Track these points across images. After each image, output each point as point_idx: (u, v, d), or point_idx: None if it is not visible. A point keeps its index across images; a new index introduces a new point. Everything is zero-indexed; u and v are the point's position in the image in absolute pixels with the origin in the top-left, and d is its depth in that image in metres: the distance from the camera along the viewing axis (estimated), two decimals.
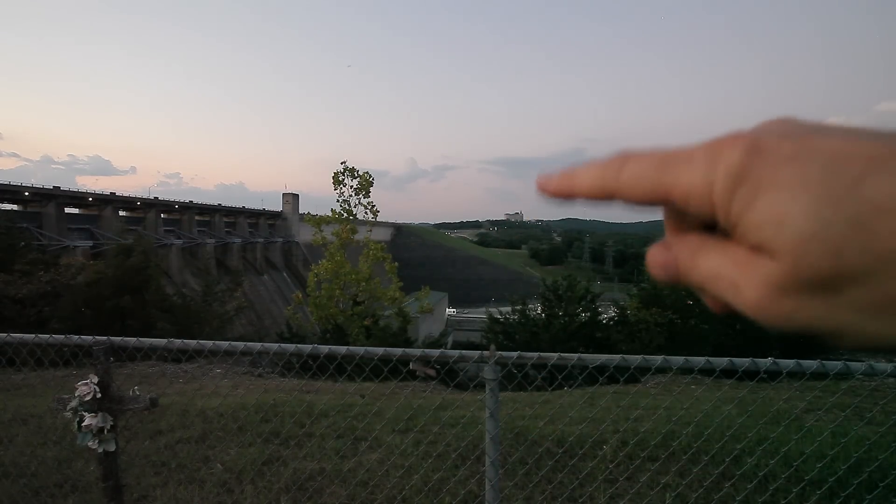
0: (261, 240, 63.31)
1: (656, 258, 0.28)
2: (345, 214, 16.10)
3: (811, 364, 1.97)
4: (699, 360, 2.00)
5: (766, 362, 1.96)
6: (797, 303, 0.22)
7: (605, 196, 0.27)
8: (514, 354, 2.11)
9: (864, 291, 0.21)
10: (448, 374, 7.94)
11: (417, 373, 2.30)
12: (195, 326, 11.72)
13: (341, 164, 16.35)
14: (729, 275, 0.24)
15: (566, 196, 0.28)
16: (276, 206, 75.38)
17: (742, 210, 0.23)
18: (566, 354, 2.05)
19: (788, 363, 1.97)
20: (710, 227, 0.26)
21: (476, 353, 2.19)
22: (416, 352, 2.19)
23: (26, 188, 39.34)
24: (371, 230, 16.81)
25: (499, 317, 12.44)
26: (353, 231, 16.01)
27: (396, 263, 16.37)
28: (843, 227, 0.20)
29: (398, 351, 2.16)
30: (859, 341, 0.23)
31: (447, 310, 59.69)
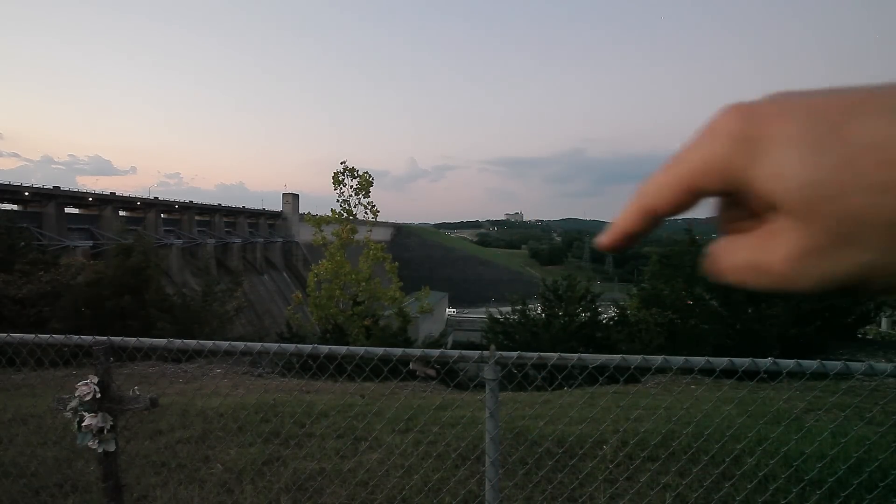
0: (261, 240, 63.33)
1: (706, 265, 0.30)
2: (345, 214, 16.08)
3: (811, 364, 1.96)
4: (699, 360, 2.00)
5: (766, 362, 1.96)
6: (820, 259, 0.24)
7: (647, 219, 0.29)
8: (514, 354, 2.11)
9: (874, 228, 0.22)
10: (448, 374, 7.94)
11: (417, 373, 2.30)
12: (195, 326, 11.71)
13: (341, 163, 16.33)
14: (756, 260, 0.26)
15: (623, 239, 0.31)
16: (276, 206, 75.46)
17: (746, 169, 0.25)
18: (566, 354, 2.05)
19: (788, 363, 1.97)
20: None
21: (476, 353, 2.19)
22: (416, 352, 2.19)
23: (26, 188, 39.35)
24: (371, 230, 16.79)
25: (499, 317, 12.43)
26: (353, 231, 15.99)
27: (396, 263, 16.35)
28: (834, 170, 0.22)
29: (398, 351, 2.16)
30: (888, 283, 0.24)
31: (447, 310, 59.69)
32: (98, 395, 2.17)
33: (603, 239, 0.32)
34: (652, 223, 0.30)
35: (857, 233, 0.22)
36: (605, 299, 13.33)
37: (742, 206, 0.29)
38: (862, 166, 0.22)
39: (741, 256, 0.27)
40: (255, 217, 68.44)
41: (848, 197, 0.22)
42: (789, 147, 0.23)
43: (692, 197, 0.27)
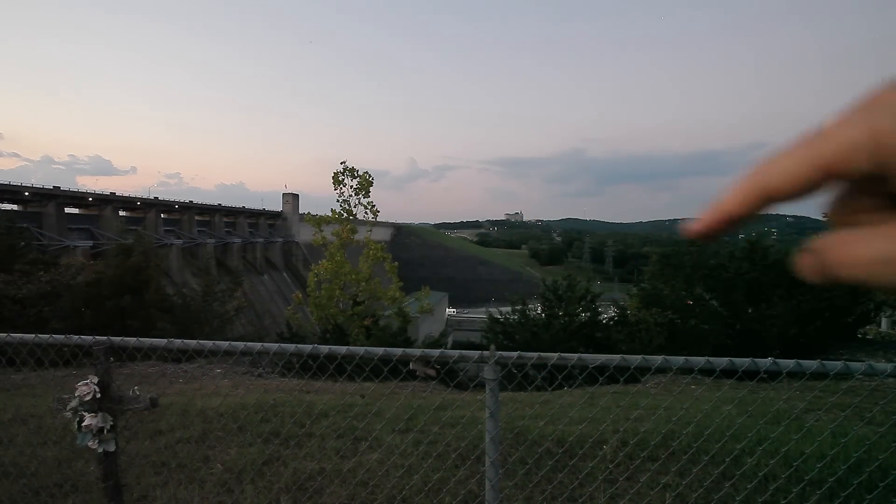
0: (261, 240, 63.31)
1: (806, 264, 0.27)
2: (345, 214, 16.08)
3: (811, 364, 1.96)
4: (699, 360, 2.00)
5: (766, 362, 1.96)
6: None
7: (759, 203, 0.26)
8: (514, 354, 2.11)
9: None
10: (448, 374, 7.94)
11: (417, 373, 2.30)
12: (195, 326, 11.71)
13: (341, 164, 16.31)
14: None
15: (721, 225, 0.28)
16: (276, 206, 75.49)
17: None
18: (566, 354, 2.04)
19: (788, 363, 1.97)
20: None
21: (476, 353, 2.19)
22: (416, 352, 2.19)
23: (26, 188, 39.34)
24: (371, 230, 16.78)
25: (499, 317, 12.44)
26: (353, 231, 15.98)
27: (396, 263, 16.34)
28: None
29: (398, 351, 2.16)
30: None
31: (447, 310, 59.71)
32: (98, 395, 2.17)
33: (699, 223, 0.28)
34: (763, 207, 0.27)
35: None
36: (605, 299, 13.34)
37: (871, 195, 0.26)
38: None
39: (878, 248, 0.24)
40: (255, 217, 68.43)
41: None
42: None
43: (825, 179, 0.24)
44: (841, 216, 0.27)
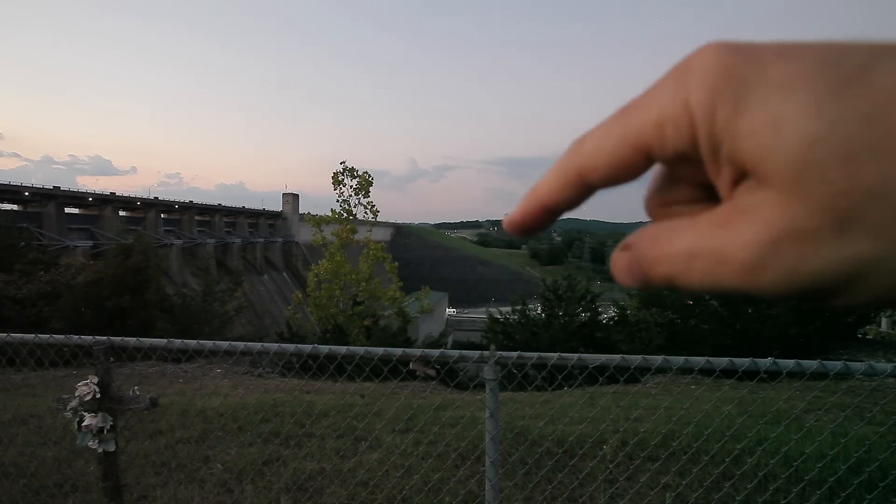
0: (261, 240, 63.36)
1: (618, 263, 0.23)
2: (345, 214, 16.10)
3: (811, 364, 1.97)
4: (699, 360, 2.00)
5: (766, 362, 1.96)
6: (803, 246, 0.17)
7: (576, 186, 0.22)
8: (514, 354, 2.11)
9: (890, 208, 0.16)
10: (448, 374, 7.94)
11: (417, 373, 2.30)
12: (195, 326, 11.73)
13: (341, 164, 16.35)
14: (707, 245, 0.19)
15: (538, 215, 0.24)
16: (276, 206, 75.62)
17: (728, 117, 0.18)
18: (566, 354, 2.05)
19: (788, 363, 1.97)
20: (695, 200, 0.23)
21: (476, 353, 2.19)
22: (416, 352, 2.19)
23: (26, 188, 39.40)
24: (371, 230, 16.80)
25: (499, 317, 12.44)
26: (353, 231, 16.01)
27: (396, 263, 16.36)
28: (854, 125, 0.16)
29: (398, 351, 2.16)
30: (885, 287, 0.17)
31: (447, 310, 59.75)
32: (98, 395, 2.17)
33: (512, 215, 0.25)
34: (581, 193, 0.22)
35: (864, 213, 0.16)
36: (605, 299, 13.35)
37: (687, 184, 0.23)
38: (894, 123, 0.16)
39: (686, 241, 0.20)
40: (255, 217, 68.49)
41: (866, 161, 0.16)
42: (796, 91, 0.17)
43: (639, 158, 0.20)
44: (657, 209, 0.24)
